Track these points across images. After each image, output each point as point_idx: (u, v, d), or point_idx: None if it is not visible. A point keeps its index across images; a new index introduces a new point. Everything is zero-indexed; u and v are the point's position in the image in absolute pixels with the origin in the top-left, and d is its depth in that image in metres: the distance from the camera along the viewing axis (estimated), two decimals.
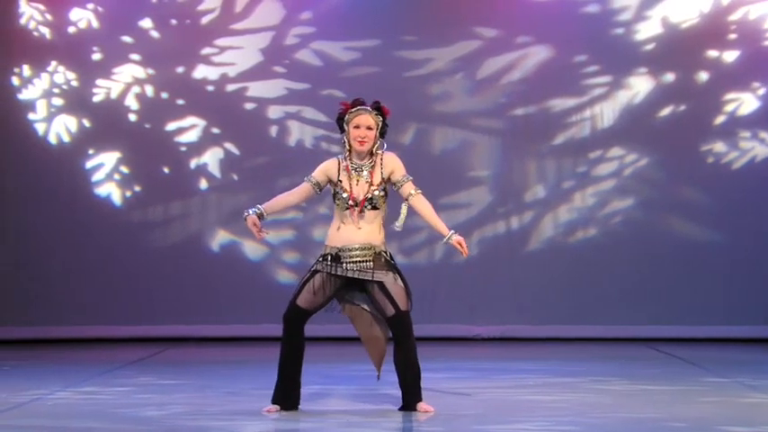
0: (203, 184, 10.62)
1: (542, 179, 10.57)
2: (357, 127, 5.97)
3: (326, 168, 6.04)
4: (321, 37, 10.55)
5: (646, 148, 10.52)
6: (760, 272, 10.33)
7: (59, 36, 10.57)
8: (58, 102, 10.60)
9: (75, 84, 10.58)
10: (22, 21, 10.55)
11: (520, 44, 10.54)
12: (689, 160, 10.48)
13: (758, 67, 10.41)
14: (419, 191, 6.02)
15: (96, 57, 10.57)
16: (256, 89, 10.59)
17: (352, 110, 6.00)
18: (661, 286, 10.38)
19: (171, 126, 10.61)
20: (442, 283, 10.37)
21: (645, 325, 10.36)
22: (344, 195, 5.94)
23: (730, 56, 10.43)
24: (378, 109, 6.01)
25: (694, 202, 10.49)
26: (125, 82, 10.57)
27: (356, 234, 5.93)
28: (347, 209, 5.95)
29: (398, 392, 6.04)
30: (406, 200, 6.01)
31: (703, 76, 10.47)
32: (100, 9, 10.55)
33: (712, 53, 10.44)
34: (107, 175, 10.60)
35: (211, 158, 10.60)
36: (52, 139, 10.60)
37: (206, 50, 10.59)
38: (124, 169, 10.61)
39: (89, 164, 10.60)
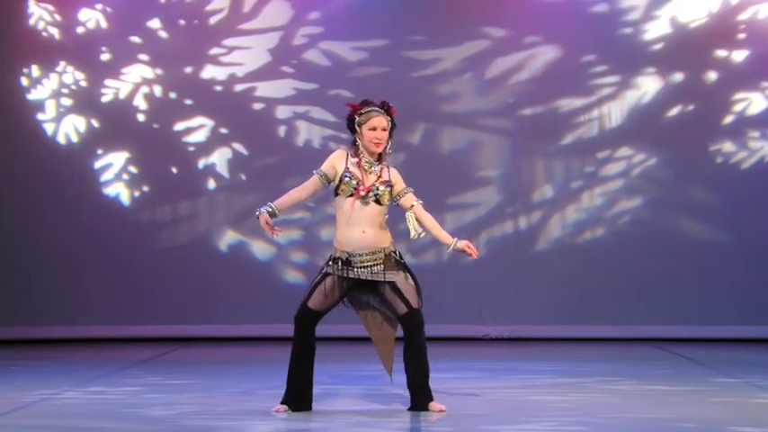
0: (211, 184, 10.63)
1: (550, 179, 10.56)
2: (373, 129, 5.96)
3: (334, 159, 6.03)
4: (329, 37, 10.55)
5: (654, 147, 10.50)
6: None
7: (68, 36, 10.59)
8: (66, 102, 10.62)
9: (83, 84, 10.60)
10: (31, 21, 10.58)
11: (528, 44, 10.53)
12: (697, 160, 10.46)
13: (767, 67, 10.39)
14: (420, 201, 6.02)
15: (105, 57, 10.59)
16: (264, 89, 10.59)
17: (364, 111, 5.99)
18: (669, 286, 10.36)
19: (179, 126, 10.62)
20: (450, 284, 10.36)
21: (654, 325, 10.34)
22: (353, 182, 5.92)
23: (739, 55, 10.41)
24: (387, 109, 6.02)
25: (703, 202, 10.47)
26: (133, 82, 10.59)
27: (362, 237, 5.92)
28: (351, 195, 5.92)
29: (407, 392, 6.03)
30: (408, 211, 6.01)
31: (712, 75, 10.45)
32: (108, 9, 10.57)
33: (721, 53, 10.42)
34: (116, 175, 10.62)
35: (219, 158, 10.61)
36: (61, 140, 10.62)
37: (214, 51, 10.60)
38: (133, 169, 10.62)
39: (98, 164, 10.62)
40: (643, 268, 10.38)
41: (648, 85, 10.50)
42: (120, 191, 10.63)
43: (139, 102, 10.60)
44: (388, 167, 6.03)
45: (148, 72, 10.59)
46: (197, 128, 10.62)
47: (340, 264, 5.94)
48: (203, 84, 10.60)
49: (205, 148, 10.62)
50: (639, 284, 10.38)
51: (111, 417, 5.93)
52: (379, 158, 6.02)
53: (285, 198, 6.06)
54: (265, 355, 9.30)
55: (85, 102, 10.60)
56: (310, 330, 5.95)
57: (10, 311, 10.48)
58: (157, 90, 10.61)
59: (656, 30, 10.46)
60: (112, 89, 10.59)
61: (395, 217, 6.10)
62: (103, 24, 10.59)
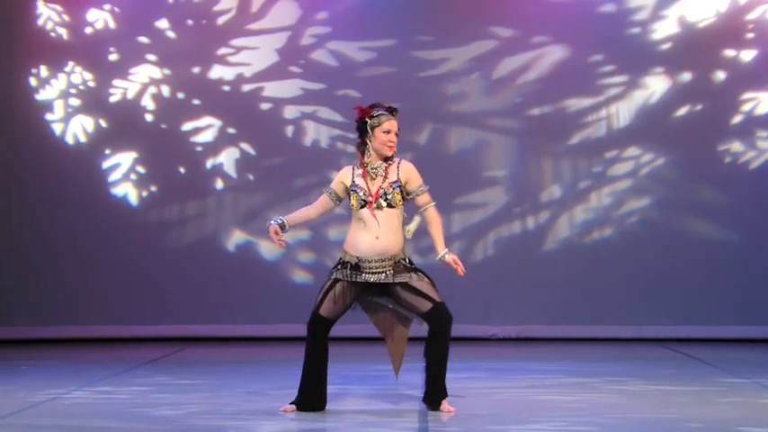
0: (219, 184, 10.64)
1: (558, 179, 10.55)
2: (387, 132, 5.99)
3: (341, 177, 6.09)
4: (337, 37, 10.56)
5: (662, 147, 10.49)
6: None
7: (76, 37, 10.60)
8: (74, 102, 10.64)
9: (91, 84, 10.62)
10: (40, 22, 10.60)
11: (536, 44, 10.53)
12: (706, 160, 10.44)
13: None
14: (433, 203, 6.04)
15: (113, 57, 10.61)
16: (272, 89, 10.60)
17: (377, 113, 6.00)
18: (678, 286, 10.35)
19: (187, 126, 10.63)
20: (457, 284, 10.25)
21: (661, 325, 10.32)
22: (360, 193, 5.95)
23: (747, 55, 10.39)
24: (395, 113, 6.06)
25: (711, 202, 10.45)
26: (141, 82, 10.60)
27: (375, 243, 5.94)
28: (363, 207, 5.95)
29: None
30: (420, 209, 6.03)
31: (720, 75, 10.43)
32: (117, 10, 10.59)
33: (729, 52, 10.41)
34: (123, 175, 10.63)
35: (227, 158, 10.62)
36: (69, 140, 10.64)
37: (222, 51, 10.61)
38: (140, 169, 10.64)
39: (106, 164, 10.64)
40: (651, 268, 10.36)
41: (656, 85, 10.48)
42: (128, 191, 10.64)
43: (147, 102, 10.62)
44: (397, 165, 6.02)
45: (156, 72, 10.61)
46: (205, 128, 10.63)
47: (349, 268, 5.96)
48: (211, 84, 10.61)
49: (213, 148, 10.62)
50: (647, 284, 10.36)
51: (119, 416, 5.93)
52: (385, 158, 6.03)
53: (296, 215, 6.15)
54: (273, 354, 9.31)
55: (93, 102, 10.61)
56: (324, 337, 5.99)
57: (18, 311, 10.50)
58: (165, 90, 10.62)
59: (664, 29, 10.45)
60: (120, 89, 10.61)
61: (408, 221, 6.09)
62: (111, 25, 10.61)
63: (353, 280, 5.95)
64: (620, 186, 10.52)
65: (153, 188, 10.64)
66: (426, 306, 5.94)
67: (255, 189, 10.58)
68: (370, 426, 5.72)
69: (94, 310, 10.47)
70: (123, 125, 10.59)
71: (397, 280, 5.94)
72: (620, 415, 5.94)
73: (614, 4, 10.48)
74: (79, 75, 10.61)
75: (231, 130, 10.63)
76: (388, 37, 10.58)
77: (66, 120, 10.63)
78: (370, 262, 5.94)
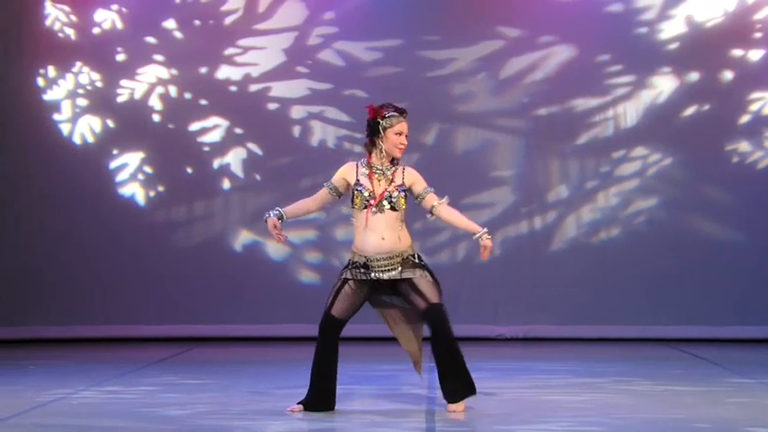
0: (226, 184, 10.65)
1: (565, 179, 10.54)
2: (399, 134, 5.99)
3: (344, 172, 6.07)
4: (344, 37, 10.56)
5: (669, 147, 10.47)
6: None
7: (84, 37, 10.62)
8: (82, 102, 10.65)
9: (99, 84, 10.63)
10: (48, 22, 10.61)
11: (543, 44, 10.52)
12: (713, 160, 10.43)
13: None
14: (443, 200, 6.03)
15: (120, 57, 10.62)
16: (279, 89, 10.61)
17: (389, 114, 5.98)
18: (685, 286, 10.34)
19: (194, 126, 10.64)
20: (464, 283, 10.35)
21: (669, 325, 10.31)
22: (365, 193, 5.95)
23: (755, 55, 10.38)
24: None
25: (719, 202, 10.44)
26: (149, 82, 10.62)
27: (381, 244, 5.94)
28: (365, 207, 5.94)
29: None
30: (431, 211, 6.03)
31: (728, 75, 10.41)
32: (124, 10, 10.60)
33: (737, 52, 10.39)
34: (131, 175, 10.65)
35: (234, 158, 10.63)
36: (77, 140, 10.66)
37: (229, 51, 10.61)
38: (148, 169, 10.65)
39: (113, 164, 10.65)
40: (658, 268, 10.35)
41: (664, 85, 10.47)
42: (135, 191, 10.66)
43: (155, 102, 10.63)
44: (403, 169, 6.03)
45: (163, 72, 10.62)
46: (212, 128, 10.64)
47: (359, 267, 5.96)
48: (218, 84, 10.62)
49: (220, 148, 10.63)
50: (654, 284, 10.35)
51: (127, 416, 5.95)
52: (392, 161, 6.03)
53: (294, 206, 6.14)
54: (280, 354, 9.31)
55: (101, 102, 10.63)
56: (335, 338, 6.00)
57: (25, 311, 10.51)
58: (172, 90, 10.64)
59: (672, 29, 10.43)
60: (128, 89, 10.62)
61: (410, 216, 6.10)
62: (119, 25, 10.62)
63: (364, 278, 5.96)
64: (628, 186, 10.51)
65: (160, 188, 10.65)
66: (422, 305, 5.95)
67: (262, 189, 10.58)
68: (377, 426, 5.73)
69: (102, 310, 10.49)
70: (131, 125, 10.61)
71: (403, 276, 5.95)
72: (627, 415, 5.94)
73: (621, 3, 10.46)
74: (87, 75, 10.63)
75: (238, 131, 10.64)
76: (394, 37, 10.58)
77: (73, 120, 10.65)
78: (378, 261, 5.95)
